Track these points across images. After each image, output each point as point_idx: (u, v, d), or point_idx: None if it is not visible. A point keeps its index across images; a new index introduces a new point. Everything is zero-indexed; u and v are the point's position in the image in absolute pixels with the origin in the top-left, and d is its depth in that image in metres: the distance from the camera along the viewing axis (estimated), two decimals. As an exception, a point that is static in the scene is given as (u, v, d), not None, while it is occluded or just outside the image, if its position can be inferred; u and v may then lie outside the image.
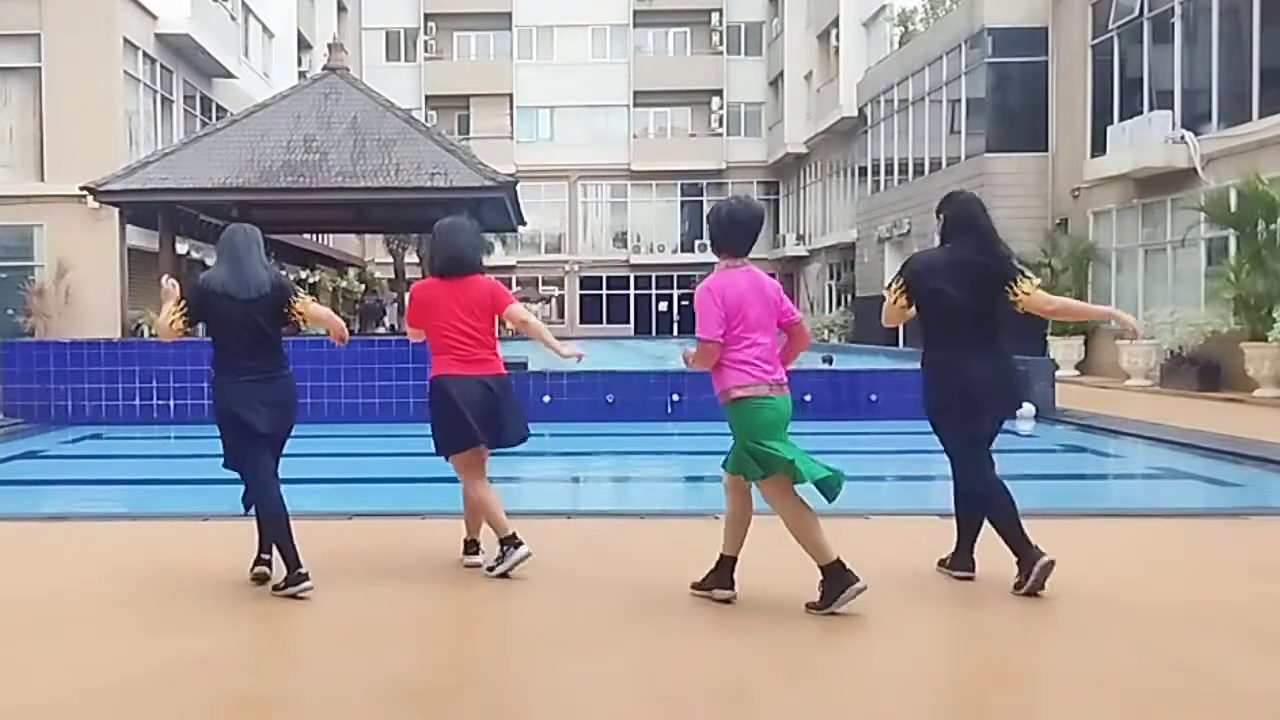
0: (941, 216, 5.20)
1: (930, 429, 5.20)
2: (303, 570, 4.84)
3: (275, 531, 4.94)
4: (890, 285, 5.10)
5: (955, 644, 4.40)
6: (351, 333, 5.55)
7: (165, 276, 5.33)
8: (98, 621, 4.60)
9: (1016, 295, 4.91)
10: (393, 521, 6.54)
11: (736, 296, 4.64)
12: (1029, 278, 4.96)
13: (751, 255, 4.79)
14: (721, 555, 4.79)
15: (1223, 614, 4.57)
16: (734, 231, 4.73)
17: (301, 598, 4.80)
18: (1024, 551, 4.81)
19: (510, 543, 5.19)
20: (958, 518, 5.14)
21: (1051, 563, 4.74)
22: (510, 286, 48.20)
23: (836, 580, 4.56)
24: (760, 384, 4.62)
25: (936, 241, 5.26)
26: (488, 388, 5.25)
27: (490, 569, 5.21)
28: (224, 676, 3.93)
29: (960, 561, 5.12)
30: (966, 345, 4.92)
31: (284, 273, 5.36)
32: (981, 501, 4.97)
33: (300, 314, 5.09)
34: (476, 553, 5.41)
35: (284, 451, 5.18)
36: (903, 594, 4.97)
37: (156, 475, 9.81)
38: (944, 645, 4.41)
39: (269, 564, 5.04)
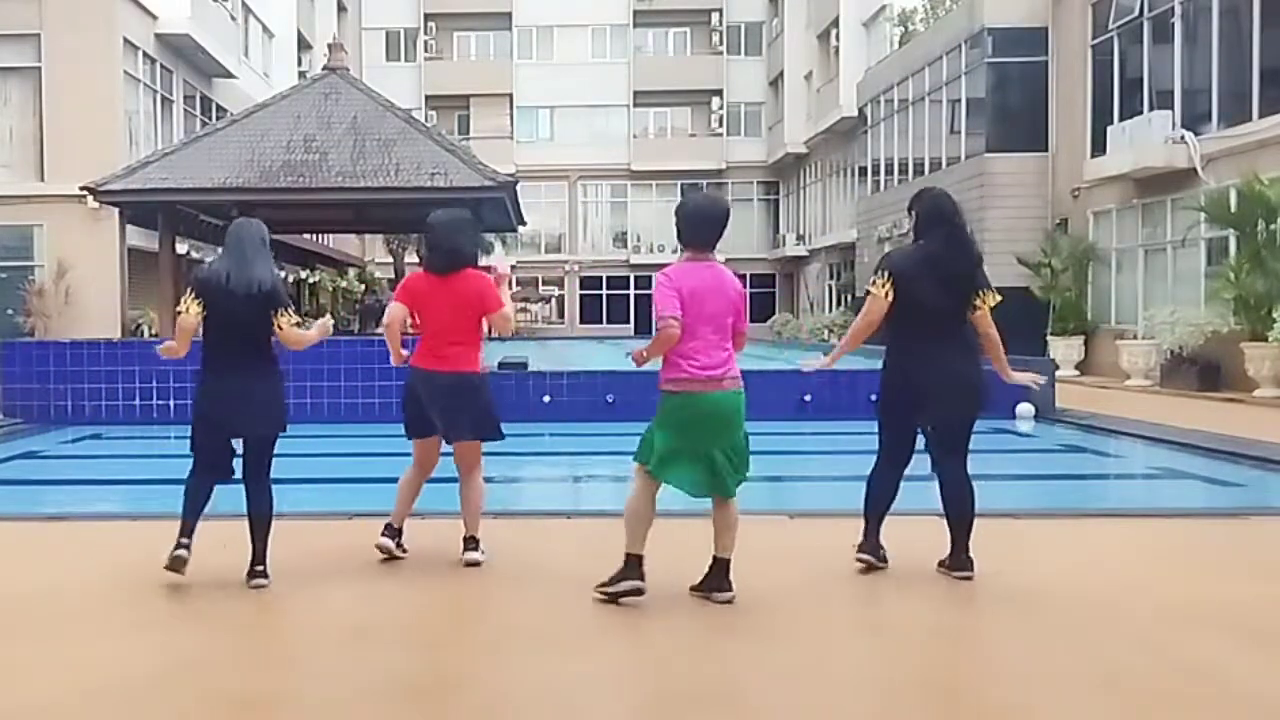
0: (914, 214, 5.24)
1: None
2: (185, 543, 4.95)
3: (190, 514, 5.03)
4: (875, 282, 5.09)
5: (954, 644, 4.40)
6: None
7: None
8: (98, 621, 4.60)
9: (979, 305, 5.04)
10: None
11: (691, 288, 4.64)
12: (993, 292, 5.08)
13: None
14: (721, 555, 4.78)
15: (1223, 614, 4.57)
16: (700, 226, 4.76)
17: (176, 571, 4.92)
18: (869, 537, 5.23)
19: (389, 530, 5.48)
20: (948, 519, 5.17)
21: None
22: (510, 286, 48.17)
23: (627, 570, 4.67)
24: (692, 380, 4.62)
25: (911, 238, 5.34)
26: (454, 383, 5.34)
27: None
28: (223, 676, 3.93)
29: (958, 562, 5.14)
30: (933, 342, 5.01)
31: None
32: (873, 495, 5.26)
33: (279, 328, 5.05)
34: (476, 549, 5.42)
35: (276, 452, 5.16)
36: (901, 594, 4.97)
37: (156, 475, 9.77)
38: (942, 645, 4.40)
39: (261, 574, 5.05)
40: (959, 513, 5.13)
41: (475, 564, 5.38)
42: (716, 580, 4.75)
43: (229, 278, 5.00)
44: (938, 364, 5.00)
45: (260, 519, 5.07)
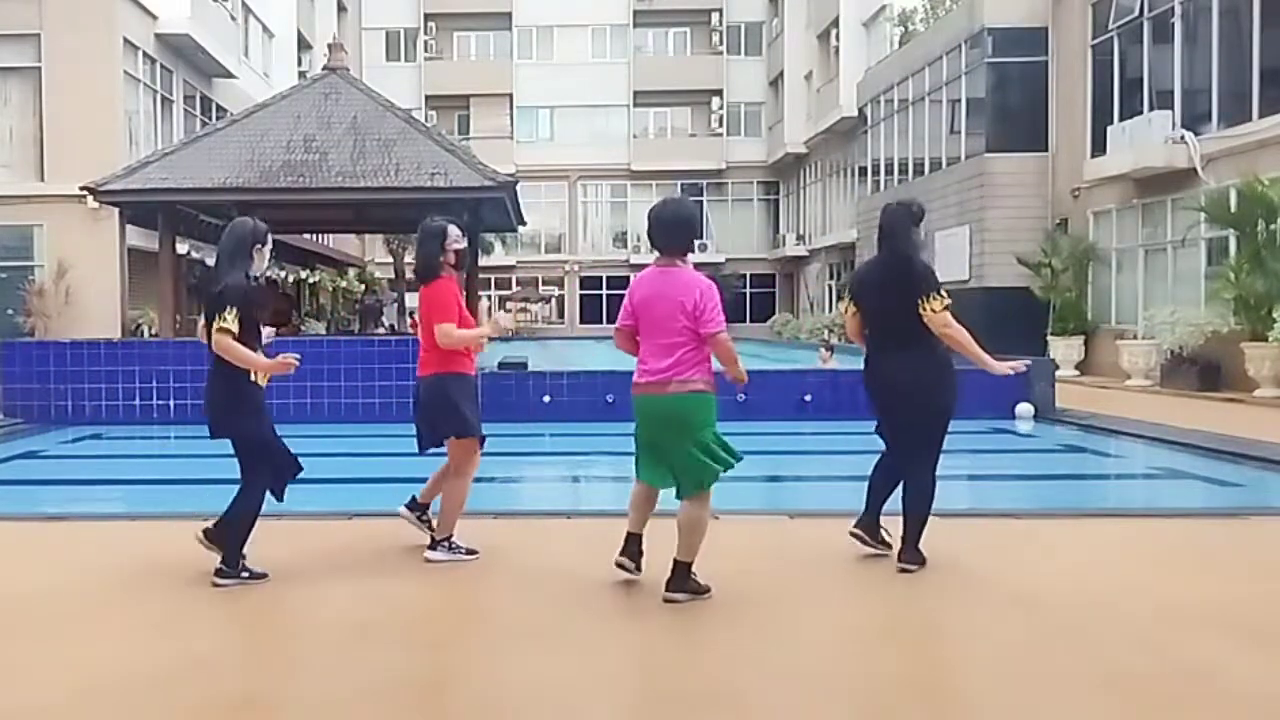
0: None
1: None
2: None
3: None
4: (843, 298, 5.63)
5: (954, 644, 4.40)
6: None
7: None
8: (97, 621, 4.60)
9: (924, 310, 5.20)
10: (393, 521, 6.54)
11: (641, 296, 4.81)
12: (940, 297, 5.21)
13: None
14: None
15: (1223, 614, 4.57)
16: (656, 230, 4.87)
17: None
18: (865, 514, 5.52)
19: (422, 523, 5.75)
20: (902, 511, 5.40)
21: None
22: (510, 286, 48.02)
23: (624, 545, 4.97)
24: (638, 384, 4.82)
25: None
26: (422, 386, 5.62)
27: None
28: (223, 676, 3.93)
29: (903, 554, 5.33)
30: (884, 348, 5.37)
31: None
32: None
33: (214, 331, 4.92)
34: (434, 548, 5.57)
35: (235, 453, 5.15)
36: (901, 594, 4.98)
37: (156, 475, 9.81)
38: (942, 645, 4.40)
39: (218, 573, 5.10)
40: (908, 509, 5.33)
41: (430, 560, 5.50)
42: (674, 581, 4.76)
43: (205, 284, 5.15)
44: (888, 366, 5.34)
45: (225, 516, 5.10)
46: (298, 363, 5.08)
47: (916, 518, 5.28)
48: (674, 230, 4.80)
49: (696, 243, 5.01)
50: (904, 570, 5.22)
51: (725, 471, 4.77)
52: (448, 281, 5.59)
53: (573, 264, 47.19)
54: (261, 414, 5.11)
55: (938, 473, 5.37)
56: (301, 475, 5.29)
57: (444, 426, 5.56)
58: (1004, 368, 5.47)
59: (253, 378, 5.06)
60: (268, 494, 5.16)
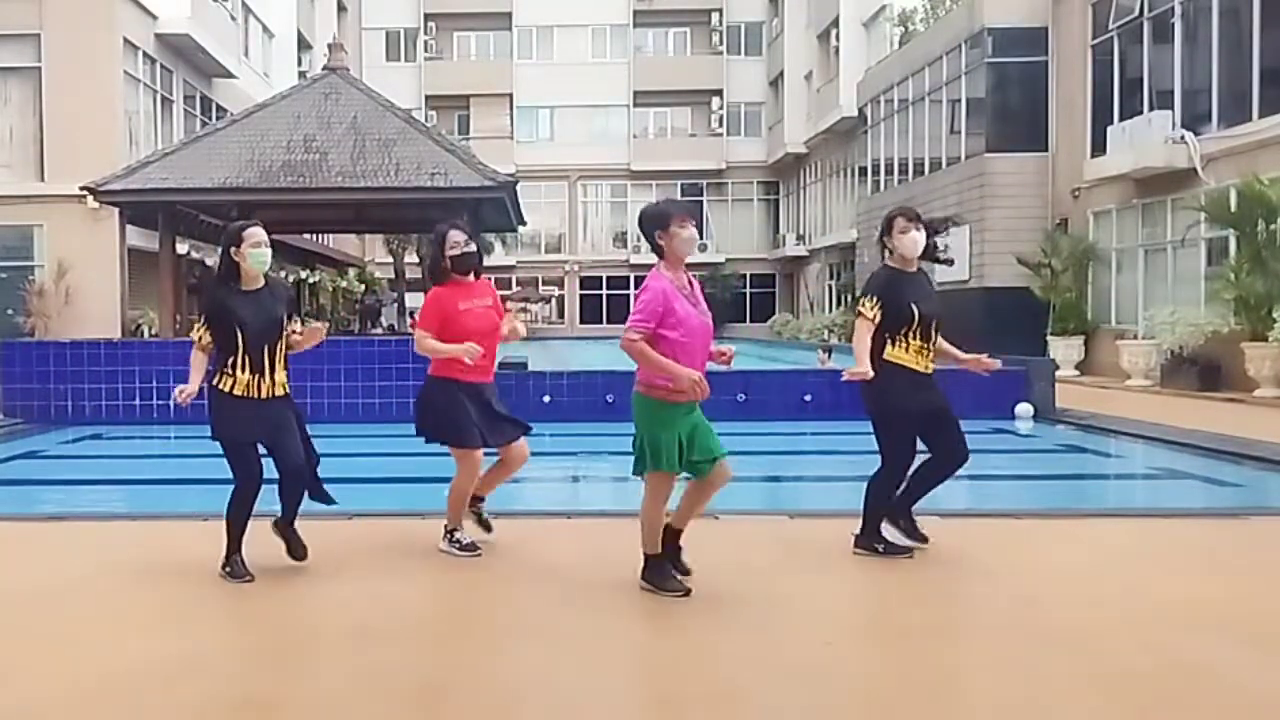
0: None
1: None
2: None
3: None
4: None
5: (954, 644, 4.40)
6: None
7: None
8: (97, 621, 4.60)
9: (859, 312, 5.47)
10: (393, 521, 6.55)
11: None
12: (866, 302, 5.40)
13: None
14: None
15: (1223, 614, 4.57)
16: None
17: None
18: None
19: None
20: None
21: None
22: (510, 286, 48.14)
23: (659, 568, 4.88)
24: None
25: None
26: None
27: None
28: (223, 675, 3.93)
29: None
30: None
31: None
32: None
33: None
34: (443, 538, 5.66)
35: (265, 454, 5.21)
36: (901, 594, 4.98)
37: (156, 475, 9.81)
38: (942, 645, 4.40)
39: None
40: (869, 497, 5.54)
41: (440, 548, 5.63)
42: (643, 569, 4.89)
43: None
44: None
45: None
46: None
47: (875, 508, 5.49)
48: (642, 229, 4.91)
49: (698, 243, 4.98)
50: (857, 553, 5.51)
51: (644, 472, 4.77)
52: (444, 288, 5.58)
53: (573, 264, 47.18)
54: (231, 421, 5.08)
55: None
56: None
57: (420, 427, 5.68)
58: (863, 371, 5.35)
59: (229, 388, 5.07)
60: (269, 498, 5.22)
